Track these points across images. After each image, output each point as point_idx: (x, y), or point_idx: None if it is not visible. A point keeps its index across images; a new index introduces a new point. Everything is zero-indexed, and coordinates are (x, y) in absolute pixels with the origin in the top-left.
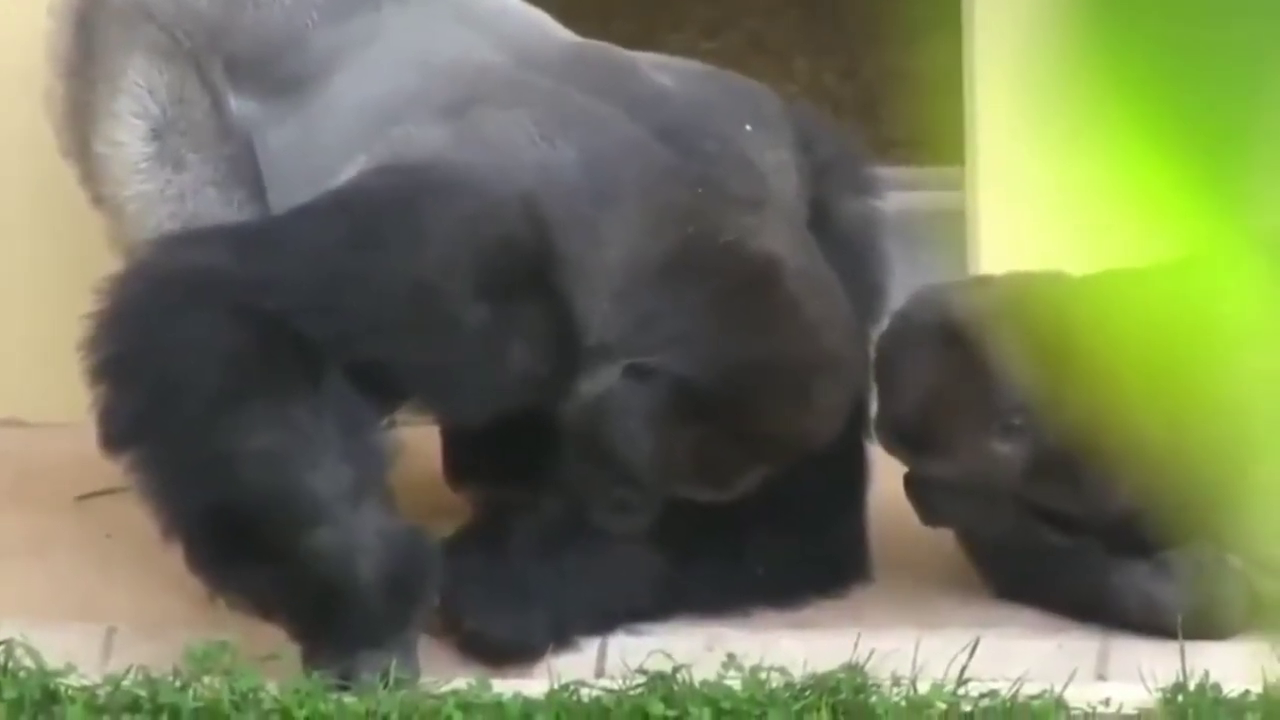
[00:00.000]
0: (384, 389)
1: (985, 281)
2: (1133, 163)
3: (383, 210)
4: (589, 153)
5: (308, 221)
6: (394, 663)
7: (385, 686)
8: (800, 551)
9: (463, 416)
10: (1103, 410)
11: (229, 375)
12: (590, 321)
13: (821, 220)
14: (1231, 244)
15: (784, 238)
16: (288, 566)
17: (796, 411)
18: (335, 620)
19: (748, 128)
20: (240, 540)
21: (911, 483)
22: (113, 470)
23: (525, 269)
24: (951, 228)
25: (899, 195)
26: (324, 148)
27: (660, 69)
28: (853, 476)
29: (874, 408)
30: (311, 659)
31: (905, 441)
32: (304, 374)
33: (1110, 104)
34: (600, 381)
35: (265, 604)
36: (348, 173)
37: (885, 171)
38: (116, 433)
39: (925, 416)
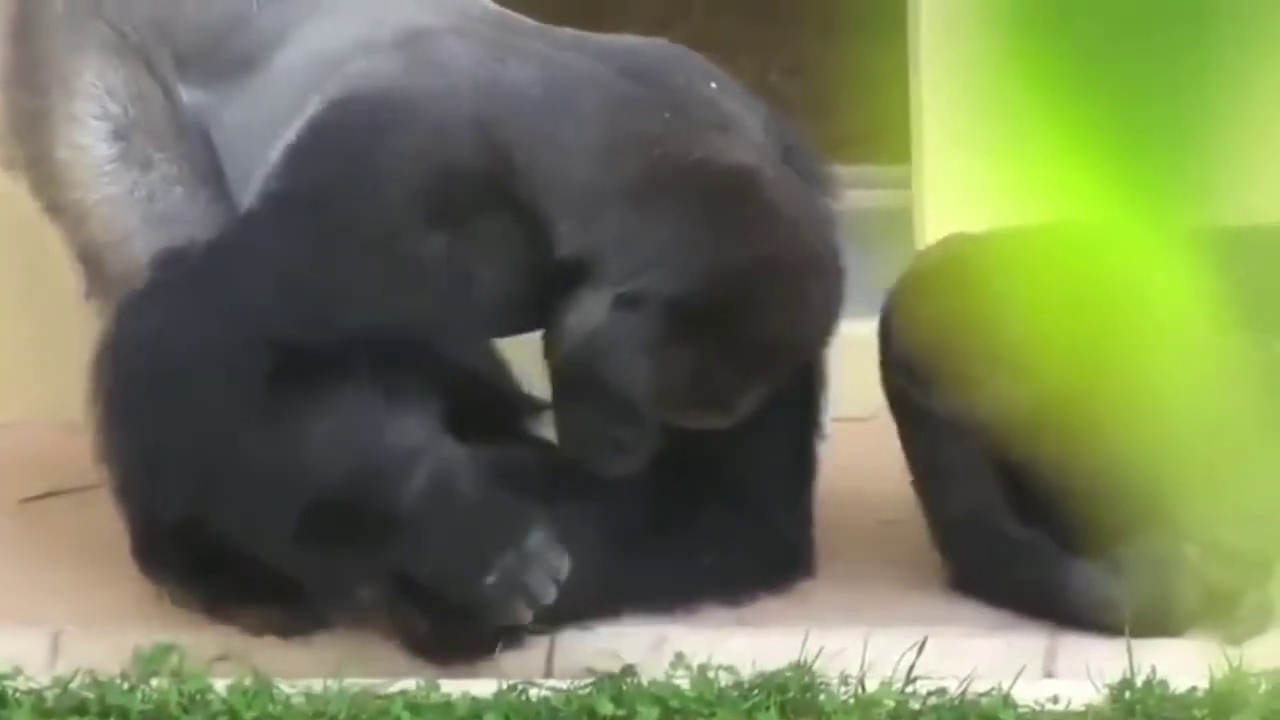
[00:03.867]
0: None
1: (1012, 230)
2: (1065, 162)
3: (322, 186)
4: (548, 75)
5: (261, 235)
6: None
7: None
8: (745, 543)
9: (454, 353)
10: (1066, 382)
11: (254, 405)
12: (559, 230)
13: None
14: (1159, 241)
15: (755, 152)
16: (401, 523)
17: (790, 311)
18: (470, 550)
19: (713, 85)
20: (352, 524)
21: (909, 432)
22: (58, 472)
23: (480, 192)
24: (898, 226)
25: (846, 193)
26: (276, 103)
27: (621, 38)
28: (800, 469)
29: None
30: (468, 594)
31: (918, 377)
32: (318, 372)
33: (1044, 105)
34: (589, 316)
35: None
36: (299, 122)
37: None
38: (187, 508)
39: (942, 351)
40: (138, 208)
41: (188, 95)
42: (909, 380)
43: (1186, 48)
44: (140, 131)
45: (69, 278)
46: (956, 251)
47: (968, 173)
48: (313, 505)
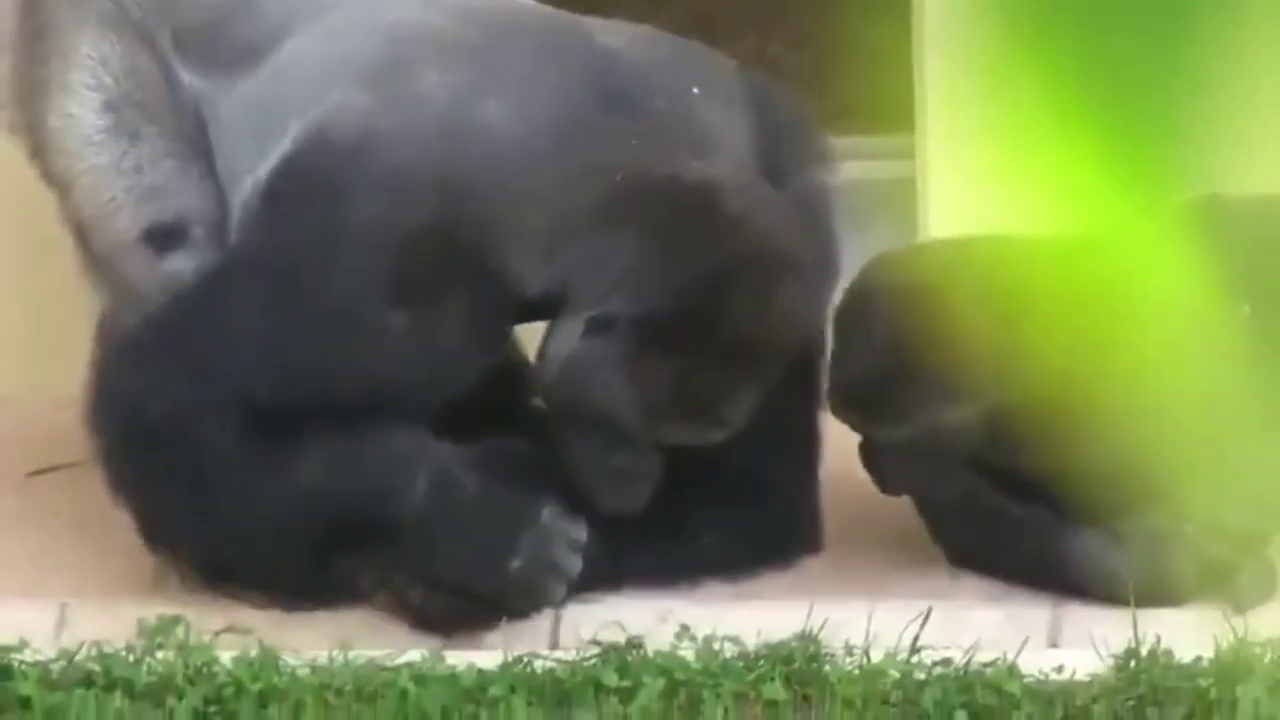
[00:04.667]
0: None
1: (938, 245)
2: (1060, 142)
3: (294, 242)
4: (522, 113)
5: (231, 298)
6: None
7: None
8: (754, 520)
9: (421, 409)
10: (1057, 373)
11: (235, 462)
12: (526, 276)
13: (776, 184)
14: (1148, 217)
15: (725, 168)
16: (409, 530)
17: (760, 313)
18: (488, 538)
19: (695, 90)
20: (365, 543)
21: (866, 449)
22: (60, 447)
23: (443, 262)
24: (902, 196)
25: (849, 164)
26: (269, 110)
27: (608, 32)
28: (805, 448)
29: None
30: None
31: (857, 408)
32: (296, 421)
33: (1042, 84)
34: (564, 343)
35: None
36: (283, 146)
37: (835, 141)
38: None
39: (876, 383)
40: (124, 179)
41: (188, 77)
42: (865, 407)
43: (1182, 30)
44: (131, 104)
45: (68, 252)
46: (892, 273)
47: (973, 141)
48: (324, 533)
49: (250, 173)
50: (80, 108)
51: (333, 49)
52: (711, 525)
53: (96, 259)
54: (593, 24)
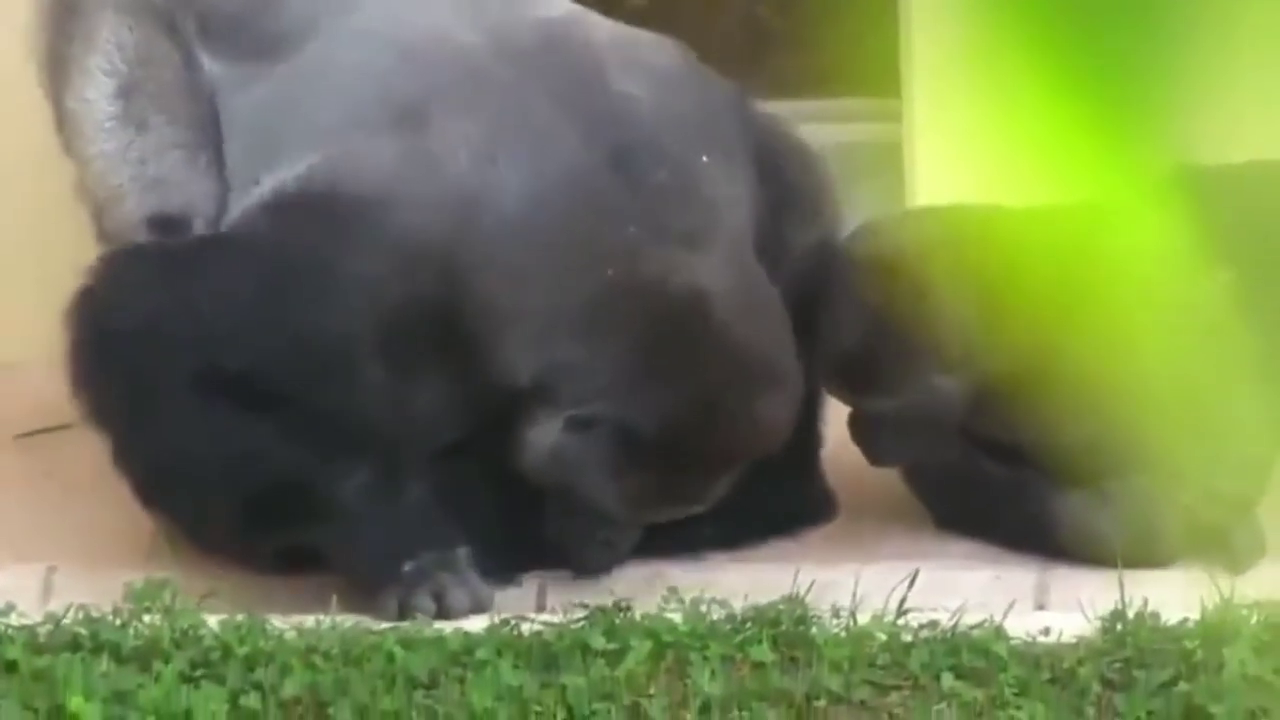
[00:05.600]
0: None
1: (922, 214)
2: (1043, 107)
3: (296, 260)
4: (531, 181)
5: (228, 259)
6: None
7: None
8: (758, 512)
9: (377, 448)
10: (1042, 341)
11: (184, 390)
12: (514, 363)
13: (777, 254)
14: (1134, 183)
15: (714, 268)
16: (338, 516)
17: (746, 432)
18: (398, 548)
19: (704, 159)
20: (287, 509)
21: (856, 422)
22: (53, 409)
23: (434, 337)
24: (889, 160)
25: (835, 127)
26: (286, 122)
27: (630, 70)
28: (805, 438)
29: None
30: (383, 597)
31: (847, 380)
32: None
33: (1026, 48)
34: (546, 433)
35: (325, 558)
36: (297, 168)
37: (821, 104)
38: (140, 480)
39: (865, 354)
40: (128, 169)
41: (209, 64)
42: (855, 378)
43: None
44: (142, 93)
45: (73, 218)
46: (877, 243)
47: (960, 105)
48: (258, 490)
49: (255, 178)
50: (95, 92)
51: (356, 63)
52: (715, 518)
53: (104, 240)
54: (614, 62)
